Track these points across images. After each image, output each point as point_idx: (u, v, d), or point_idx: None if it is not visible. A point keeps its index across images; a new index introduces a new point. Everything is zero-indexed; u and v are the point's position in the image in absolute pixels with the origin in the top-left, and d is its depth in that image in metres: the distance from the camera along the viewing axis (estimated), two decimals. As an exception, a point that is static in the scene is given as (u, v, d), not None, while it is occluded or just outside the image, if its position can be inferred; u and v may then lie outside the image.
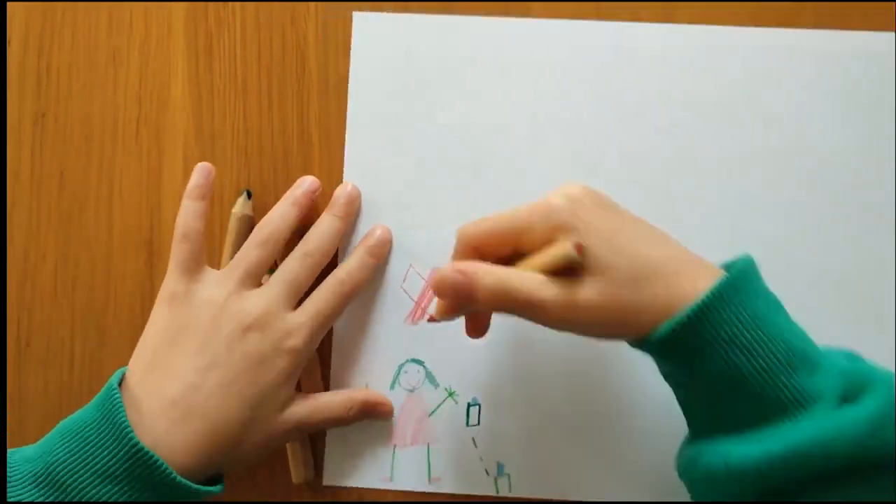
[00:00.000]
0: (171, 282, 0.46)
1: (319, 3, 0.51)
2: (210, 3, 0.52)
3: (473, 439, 0.49)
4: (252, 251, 0.46)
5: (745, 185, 0.49)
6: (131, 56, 0.52)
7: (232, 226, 0.50)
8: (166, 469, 0.40)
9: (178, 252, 0.46)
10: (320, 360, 0.50)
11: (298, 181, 0.49)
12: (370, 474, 0.49)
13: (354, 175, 0.51)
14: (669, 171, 0.49)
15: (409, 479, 0.49)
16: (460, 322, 0.48)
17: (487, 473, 0.49)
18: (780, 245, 0.49)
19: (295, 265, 0.47)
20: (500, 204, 0.48)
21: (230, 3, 0.52)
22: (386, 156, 0.50)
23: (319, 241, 0.48)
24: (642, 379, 0.48)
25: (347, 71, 0.51)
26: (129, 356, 0.50)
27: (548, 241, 0.39)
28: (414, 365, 0.50)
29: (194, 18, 0.52)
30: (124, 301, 0.51)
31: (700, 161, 0.49)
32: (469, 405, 0.49)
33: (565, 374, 0.49)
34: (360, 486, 0.49)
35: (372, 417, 0.49)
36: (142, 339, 0.45)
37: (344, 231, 0.49)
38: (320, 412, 0.47)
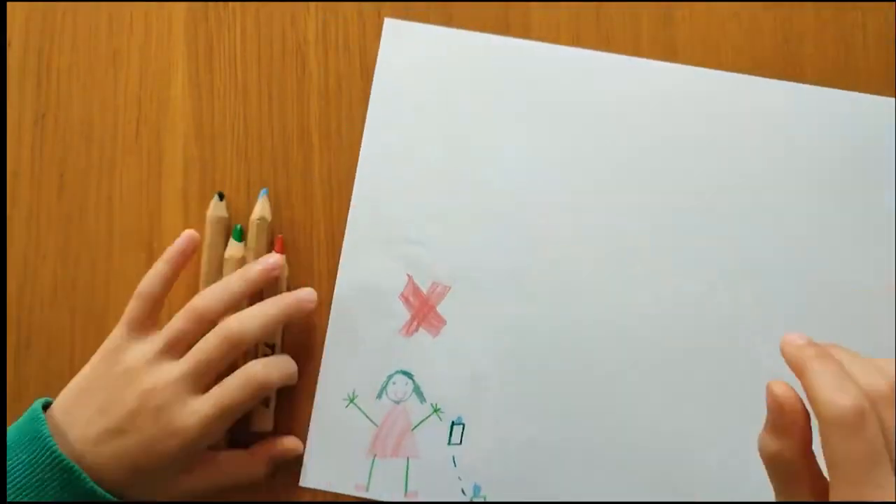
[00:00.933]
0: (114, 333, 0.46)
1: (319, 3, 0.52)
2: (210, 3, 0.52)
3: (454, 458, 0.49)
4: (179, 322, 0.46)
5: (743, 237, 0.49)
6: (131, 57, 0.52)
7: (207, 229, 0.50)
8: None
9: (129, 308, 0.46)
10: (311, 362, 0.50)
11: (259, 260, 0.48)
12: (347, 481, 0.49)
13: (365, 178, 0.50)
14: (672, 210, 0.50)
15: (385, 491, 0.49)
16: (453, 339, 0.48)
17: (464, 493, 0.49)
18: (777, 302, 0.49)
19: (211, 346, 0.45)
20: (507, 223, 0.49)
21: (230, 3, 0.52)
22: (398, 166, 0.50)
23: (242, 327, 0.45)
24: (629, 414, 0.48)
25: (347, 71, 0.51)
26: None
27: None
28: (403, 377, 0.50)
29: (194, 18, 0.52)
30: (124, 301, 0.50)
31: (708, 202, 0.50)
32: (453, 423, 0.49)
33: (552, 404, 0.49)
34: (335, 491, 0.49)
35: (286, 458, 0.48)
36: (77, 375, 0.46)
37: (278, 319, 0.46)
38: (217, 477, 0.46)
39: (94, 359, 0.46)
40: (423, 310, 0.50)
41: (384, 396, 0.50)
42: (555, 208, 0.50)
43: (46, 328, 0.51)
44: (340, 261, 0.50)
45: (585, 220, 0.50)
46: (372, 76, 0.51)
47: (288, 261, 0.50)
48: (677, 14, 0.50)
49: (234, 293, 0.46)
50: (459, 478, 0.49)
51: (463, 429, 0.49)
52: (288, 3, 0.52)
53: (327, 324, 0.50)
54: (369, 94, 0.51)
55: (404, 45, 0.51)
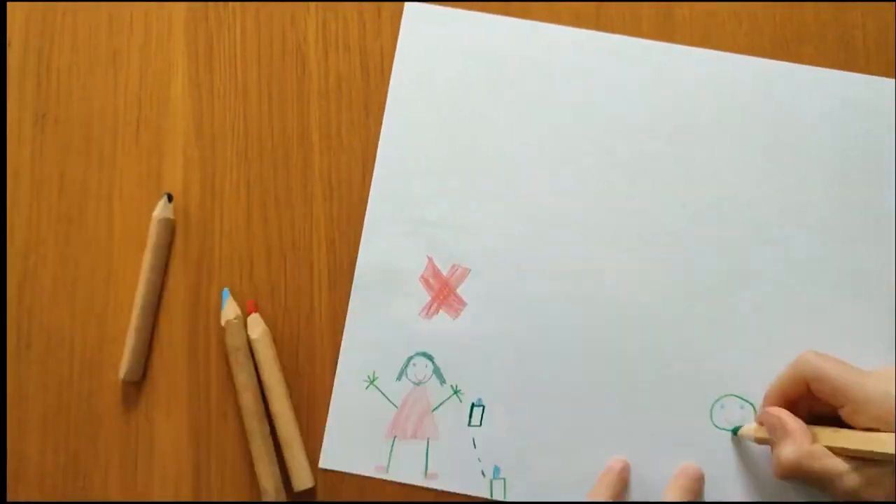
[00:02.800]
0: None
1: (319, 3, 0.52)
2: (210, 3, 0.52)
3: (474, 440, 0.49)
4: None
5: (742, 208, 0.50)
6: (131, 57, 0.52)
7: (152, 230, 0.50)
8: None
9: None
10: (333, 341, 0.50)
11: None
12: (367, 462, 0.49)
13: (386, 160, 0.51)
14: (689, 193, 0.50)
15: (405, 472, 0.49)
16: (473, 321, 0.49)
17: (484, 475, 0.49)
18: (770, 279, 0.49)
19: None
20: (527, 205, 0.50)
21: (230, 3, 0.52)
22: (418, 147, 0.51)
23: None
24: (649, 394, 0.48)
25: (347, 71, 0.51)
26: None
27: (866, 422, 0.42)
28: (423, 359, 0.50)
29: (194, 18, 0.52)
30: (124, 301, 0.51)
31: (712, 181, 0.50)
32: (473, 405, 0.49)
33: (573, 385, 0.49)
34: (355, 472, 0.49)
35: None
36: None
37: None
38: None
39: None
40: (444, 291, 0.50)
41: (404, 378, 0.50)
42: (573, 190, 0.50)
43: (46, 328, 0.51)
44: (361, 242, 0.50)
45: (604, 201, 0.50)
46: (372, 76, 0.51)
47: (288, 261, 0.50)
48: (677, 13, 0.50)
49: None
50: (479, 459, 0.49)
51: (483, 410, 0.49)
52: (288, 3, 0.52)
53: (347, 306, 0.50)
54: (369, 93, 0.51)
55: (424, 27, 0.51)
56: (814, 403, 0.45)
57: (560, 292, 0.49)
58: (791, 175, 0.49)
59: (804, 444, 0.43)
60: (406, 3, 0.51)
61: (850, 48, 0.50)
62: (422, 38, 0.51)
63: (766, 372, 0.47)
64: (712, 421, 0.48)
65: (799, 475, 0.43)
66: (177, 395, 0.50)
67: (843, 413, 0.42)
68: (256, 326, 0.49)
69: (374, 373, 0.50)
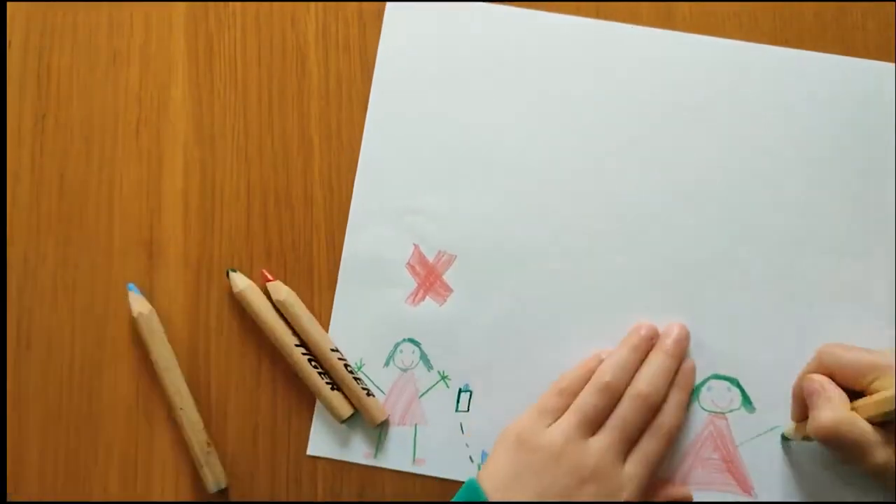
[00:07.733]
0: (528, 419, 0.47)
1: (319, 3, 0.52)
2: (210, 4, 0.52)
3: (461, 425, 0.49)
4: (592, 397, 0.46)
5: (742, 196, 0.50)
6: (131, 57, 0.52)
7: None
8: None
9: (548, 401, 0.47)
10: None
11: (632, 329, 0.48)
12: (355, 449, 0.49)
13: (371, 150, 0.51)
14: (673, 178, 0.50)
15: (393, 458, 0.49)
16: (460, 307, 0.49)
17: (472, 460, 0.49)
18: (774, 266, 0.49)
19: (629, 411, 0.46)
20: (511, 191, 0.50)
21: (230, 4, 0.52)
22: (402, 136, 0.51)
23: (653, 381, 0.47)
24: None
25: (347, 71, 0.51)
26: (129, 358, 0.50)
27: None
28: (410, 345, 0.50)
29: (194, 19, 0.52)
30: (124, 302, 0.51)
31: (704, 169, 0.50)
32: (460, 391, 0.49)
33: (560, 369, 0.49)
34: (343, 459, 0.49)
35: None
36: (492, 457, 0.46)
37: (675, 370, 0.48)
38: None
39: (508, 442, 0.46)
40: (430, 278, 0.50)
41: (391, 364, 0.50)
42: (557, 177, 0.50)
43: (46, 328, 0.51)
44: (347, 230, 0.50)
45: (588, 188, 0.50)
46: (372, 76, 0.51)
47: (288, 262, 0.50)
48: (677, 13, 0.50)
49: (632, 363, 0.47)
50: (467, 444, 0.49)
51: (470, 396, 0.49)
52: (288, 3, 0.52)
53: (334, 295, 0.50)
54: (369, 93, 0.51)
55: (407, 22, 0.51)
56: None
57: (546, 278, 0.49)
58: (786, 157, 0.49)
59: (843, 410, 0.43)
60: (388, 3, 0.51)
61: (850, 48, 0.50)
62: (403, 33, 0.51)
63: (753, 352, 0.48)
64: (699, 404, 0.48)
65: (833, 440, 0.43)
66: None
67: (870, 389, 0.43)
68: (280, 290, 0.50)
69: (360, 359, 0.50)
